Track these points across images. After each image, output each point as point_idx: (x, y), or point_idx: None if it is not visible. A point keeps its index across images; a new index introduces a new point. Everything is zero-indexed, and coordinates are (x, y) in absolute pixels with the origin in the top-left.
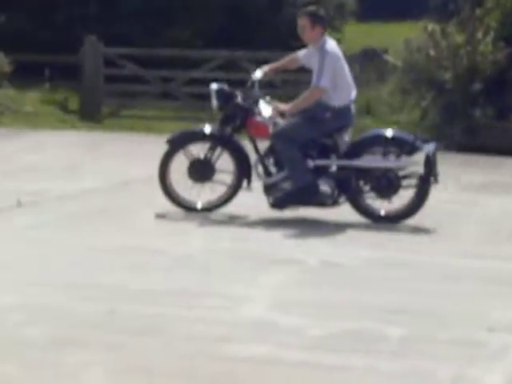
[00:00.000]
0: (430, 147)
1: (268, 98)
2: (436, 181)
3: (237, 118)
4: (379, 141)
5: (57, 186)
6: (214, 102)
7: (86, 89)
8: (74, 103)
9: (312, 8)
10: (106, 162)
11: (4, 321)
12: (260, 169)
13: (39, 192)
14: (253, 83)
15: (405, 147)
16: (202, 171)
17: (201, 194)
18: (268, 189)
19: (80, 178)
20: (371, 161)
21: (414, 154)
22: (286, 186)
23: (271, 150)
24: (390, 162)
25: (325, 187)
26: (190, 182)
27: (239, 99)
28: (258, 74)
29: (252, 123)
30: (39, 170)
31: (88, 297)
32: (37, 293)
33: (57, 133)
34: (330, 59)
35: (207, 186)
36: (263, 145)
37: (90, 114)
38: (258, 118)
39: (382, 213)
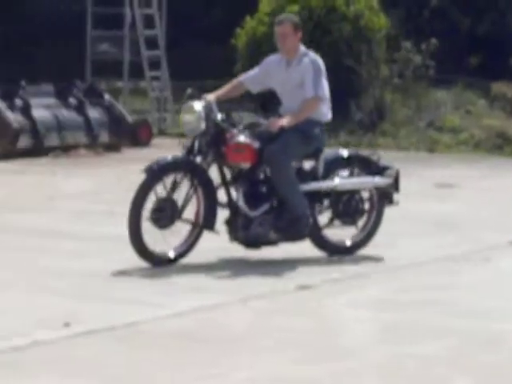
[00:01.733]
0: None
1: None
2: (392, 202)
3: (211, 141)
4: (344, 162)
5: None
6: (202, 124)
7: None
8: None
9: (291, 14)
10: None
11: None
12: (242, 199)
13: None
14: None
15: (371, 167)
16: (167, 213)
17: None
18: (246, 225)
19: None
20: (359, 181)
21: (382, 173)
22: (269, 218)
23: (243, 178)
24: (378, 181)
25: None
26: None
27: (218, 116)
28: (210, 98)
29: (234, 146)
30: None
31: None
32: None
33: None
34: (321, 68)
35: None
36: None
37: None
38: (241, 139)
39: (348, 243)
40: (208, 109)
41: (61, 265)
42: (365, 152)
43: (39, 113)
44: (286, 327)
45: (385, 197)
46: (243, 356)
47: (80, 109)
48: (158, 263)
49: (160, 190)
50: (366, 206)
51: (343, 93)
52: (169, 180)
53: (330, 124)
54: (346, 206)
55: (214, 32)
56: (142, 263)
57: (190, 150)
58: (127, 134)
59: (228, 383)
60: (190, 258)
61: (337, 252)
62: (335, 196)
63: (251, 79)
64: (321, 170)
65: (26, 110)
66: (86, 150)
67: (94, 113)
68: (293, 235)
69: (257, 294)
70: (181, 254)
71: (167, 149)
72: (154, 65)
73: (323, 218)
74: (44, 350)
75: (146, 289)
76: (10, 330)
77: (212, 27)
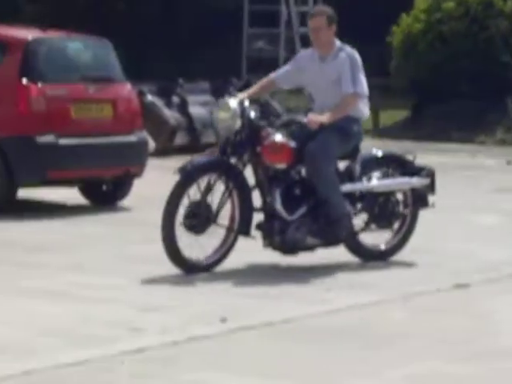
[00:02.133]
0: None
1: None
2: (427, 204)
3: (247, 140)
4: (378, 162)
5: None
6: (238, 122)
7: None
8: None
9: (325, 7)
10: None
11: None
12: (280, 203)
13: None
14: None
15: (406, 167)
16: (201, 217)
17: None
18: (282, 229)
19: None
20: (396, 182)
21: (418, 174)
22: (307, 222)
23: (278, 179)
24: (415, 182)
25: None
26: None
27: (252, 114)
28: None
29: (270, 145)
30: None
31: None
32: None
33: None
34: (359, 63)
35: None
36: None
37: None
38: (277, 138)
39: (383, 247)
40: (242, 106)
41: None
42: (400, 151)
43: (196, 110)
44: (444, 326)
45: (420, 199)
46: (398, 353)
47: None
48: (192, 270)
49: (194, 193)
50: (402, 208)
51: (499, 89)
52: (203, 182)
53: (485, 121)
54: (383, 209)
55: (369, 30)
56: (304, 258)
57: (223, 151)
58: None
59: (382, 380)
60: (348, 256)
61: (371, 257)
62: (371, 198)
63: (283, 76)
64: (358, 170)
65: (182, 108)
66: None
67: None
68: (331, 239)
69: (415, 292)
70: (216, 261)
71: None
72: None
73: (357, 221)
74: (200, 345)
75: (303, 285)
76: (167, 325)
77: (367, 25)
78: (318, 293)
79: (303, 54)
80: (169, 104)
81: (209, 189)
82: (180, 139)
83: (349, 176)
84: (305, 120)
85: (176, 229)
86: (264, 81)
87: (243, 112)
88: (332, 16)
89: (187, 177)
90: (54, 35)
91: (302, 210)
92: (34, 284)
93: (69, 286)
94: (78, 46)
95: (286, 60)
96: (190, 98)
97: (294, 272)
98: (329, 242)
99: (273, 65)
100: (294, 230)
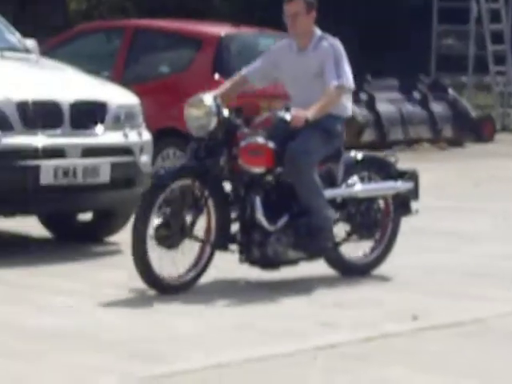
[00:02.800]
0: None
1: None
2: (410, 211)
3: (223, 141)
4: (358, 165)
5: None
6: (213, 120)
7: None
8: None
9: None
10: None
11: None
12: (260, 212)
13: None
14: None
15: (388, 170)
16: (174, 229)
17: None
18: (262, 241)
19: None
20: (381, 187)
21: (401, 178)
22: (288, 233)
23: (257, 185)
24: (400, 187)
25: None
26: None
27: (225, 112)
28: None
29: (248, 147)
30: None
31: None
32: None
33: None
34: (343, 53)
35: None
36: None
37: None
38: (255, 139)
39: (364, 260)
40: (217, 103)
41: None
42: (380, 154)
43: (384, 107)
44: None
45: (402, 205)
46: None
47: (424, 103)
48: (166, 290)
49: (166, 202)
50: (383, 216)
51: None
52: (176, 189)
53: None
54: (365, 217)
55: None
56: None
57: (196, 154)
58: (470, 130)
59: None
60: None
61: (351, 271)
62: (354, 205)
63: (255, 72)
64: (340, 174)
65: (370, 104)
66: (429, 144)
67: (437, 107)
68: (313, 250)
69: None
70: (191, 280)
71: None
72: (499, 59)
73: (338, 230)
74: (392, 342)
75: (495, 285)
76: (360, 322)
77: None
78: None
79: (278, 45)
80: (357, 101)
81: (182, 197)
82: (368, 136)
83: (330, 180)
84: (287, 117)
85: (148, 244)
86: (235, 77)
87: (218, 109)
88: (310, 1)
89: (159, 183)
90: (246, 31)
91: (284, 219)
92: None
93: None
94: (270, 43)
95: (476, 57)
96: (378, 95)
97: (484, 273)
98: (311, 253)
99: (462, 62)
100: (274, 241)
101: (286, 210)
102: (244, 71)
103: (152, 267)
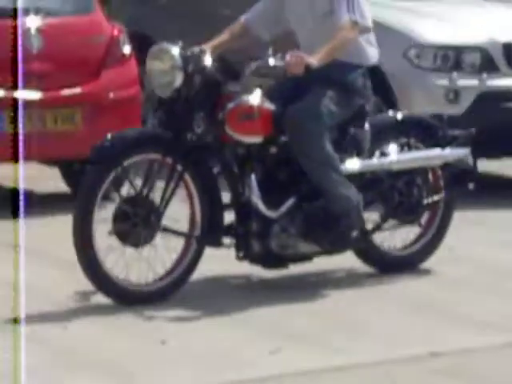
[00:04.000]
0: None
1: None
2: (466, 186)
3: (202, 103)
4: (396, 129)
5: None
6: (178, 76)
7: None
8: None
9: None
10: None
11: None
12: (257, 195)
13: None
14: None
15: (435, 135)
16: (138, 220)
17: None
18: (262, 231)
19: None
20: (422, 156)
21: (452, 144)
22: (297, 220)
23: (253, 160)
24: (449, 155)
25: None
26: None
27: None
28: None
29: (238, 111)
30: None
31: None
32: None
33: None
34: None
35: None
36: None
37: None
38: (247, 98)
39: (406, 251)
40: (193, 55)
41: None
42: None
43: None
44: None
45: (456, 180)
46: None
47: None
48: (130, 299)
49: (125, 185)
50: (431, 194)
51: None
52: (136, 167)
53: None
54: (404, 196)
55: None
56: None
57: (161, 119)
58: None
59: None
60: None
61: (389, 266)
62: (389, 180)
63: (257, 17)
64: (367, 140)
65: None
66: None
67: None
68: (329, 243)
69: None
70: (175, 284)
71: None
72: None
73: (369, 215)
74: None
75: None
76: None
77: None
78: None
79: None
80: None
81: (148, 177)
82: None
83: (353, 149)
84: (282, 64)
85: (95, 240)
86: (232, 27)
87: (186, 62)
88: None
89: (108, 159)
90: None
91: (290, 203)
92: None
93: None
94: None
95: None
96: None
97: None
98: (330, 246)
99: None
100: (279, 231)
101: (292, 191)
102: (243, 18)
103: (105, 272)
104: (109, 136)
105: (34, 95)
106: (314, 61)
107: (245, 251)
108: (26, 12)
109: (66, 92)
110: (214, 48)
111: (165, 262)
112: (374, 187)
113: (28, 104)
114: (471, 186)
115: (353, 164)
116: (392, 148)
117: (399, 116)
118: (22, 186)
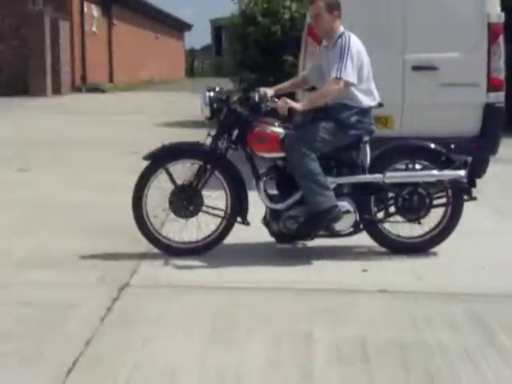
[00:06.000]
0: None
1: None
2: (471, 197)
3: (233, 129)
4: (405, 153)
5: None
6: (206, 111)
7: None
8: None
9: None
10: None
11: None
12: (263, 193)
13: None
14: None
15: (437, 160)
16: (188, 202)
17: (185, 231)
18: (272, 218)
19: None
20: (416, 174)
21: (449, 168)
22: (298, 212)
23: (272, 169)
24: (439, 174)
25: (348, 211)
26: (171, 215)
27: (236, 105)
28: (266, 90)
29: (255, 135)
30: None
31: None
32: None
33: None
34: (351, 48)
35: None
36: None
37: None
38: (264, 128)
39: (418, 239)
40: (218, 96)
41: None
42: (435, 142)
43: None
44: None
45: (461, 190)
46: None
47: None
48: (170, 251)
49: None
50: (429, 200)
51: None
52: (181, 167)
53: None
54: (407, 201)
55: None
56: None
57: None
58: None
59: None
60: None
61: (401, 248)
62: (392, 190)
63: (313, 72)
64: (364, 160)
65: None
66: None
67: None
68: (303, 233)
69: None
70: (206, 246)
71: None
72: None
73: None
74: None
75: None
76: None
77: None
78: None
79: (323, 43)
80: None
81: (201, 173)
82: None
83: (350, 167)
84: (273, 106)
85: (146, 212)
86: (296, 77)
87: (213, 100)
88: (331, 2)
89: (156, 159)
90: None
91: (295, 198)
92: None
93: None
94: None
95: None
96: None
97: None
98: (314, 232)
99: None
100: (286, 218)
101: (295, 191)
102: (305, 71)
103: (153, 233)
104: (162, 143)
105: None
106: (298, 105)
107: (268, 228)
108: None
109: None
110: (276, 90)
111: (204, 230)
112: (378, 193)
113: None
114: (466, 198)
115: (343, 178)
116: (391, 169)
117: (411, 142)
118: None
